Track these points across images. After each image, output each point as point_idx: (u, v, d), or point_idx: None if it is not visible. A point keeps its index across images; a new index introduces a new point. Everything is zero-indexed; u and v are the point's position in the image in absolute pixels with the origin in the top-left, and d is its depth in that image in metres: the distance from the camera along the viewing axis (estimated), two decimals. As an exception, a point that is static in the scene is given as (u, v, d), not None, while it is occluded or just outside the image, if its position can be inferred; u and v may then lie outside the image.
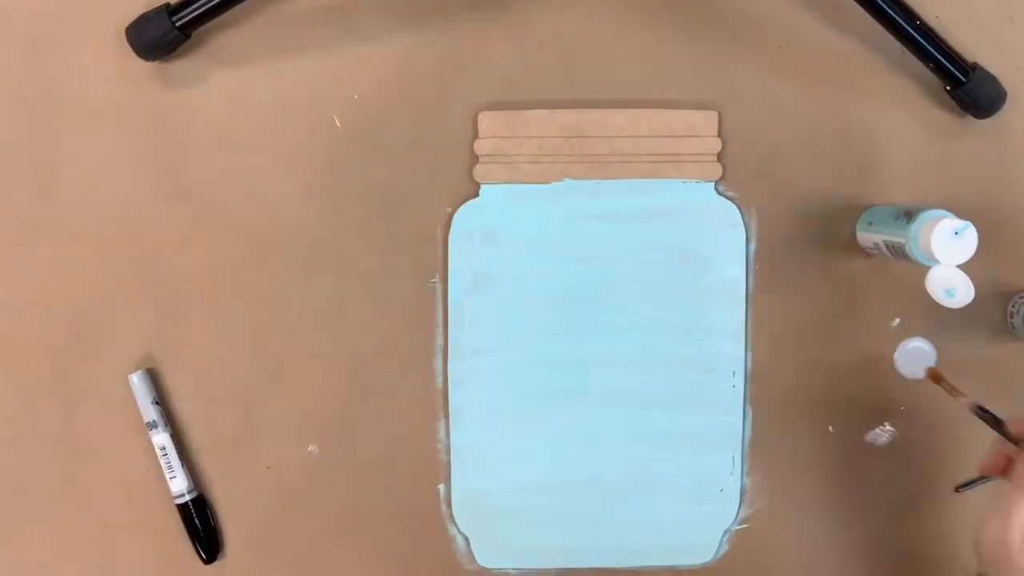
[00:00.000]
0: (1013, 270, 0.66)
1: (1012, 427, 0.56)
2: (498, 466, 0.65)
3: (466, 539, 0.66)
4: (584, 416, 0.65)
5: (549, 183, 0.64)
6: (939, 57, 0.62)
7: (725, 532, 0.66)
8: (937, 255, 0.56)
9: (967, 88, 0.63)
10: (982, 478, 0.60)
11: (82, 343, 0.64)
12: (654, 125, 0.64)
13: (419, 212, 0.64)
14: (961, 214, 0.57)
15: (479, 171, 0.64)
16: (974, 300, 0.56)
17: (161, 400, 0.64)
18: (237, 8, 0.61)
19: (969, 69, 0.63)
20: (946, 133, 0.66)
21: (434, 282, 0.65)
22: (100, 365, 0.64)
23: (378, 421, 0.65)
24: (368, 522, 0.66)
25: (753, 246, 0.65)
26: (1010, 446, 0.55)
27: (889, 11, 0.61)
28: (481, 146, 0.64)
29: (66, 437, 0.64)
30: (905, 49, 0.62)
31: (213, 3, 0.60)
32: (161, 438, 0.63)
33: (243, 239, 0.64)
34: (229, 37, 0.64)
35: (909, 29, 0.61)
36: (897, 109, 0.65)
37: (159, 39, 0.61)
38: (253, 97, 0.64)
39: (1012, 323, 0.65)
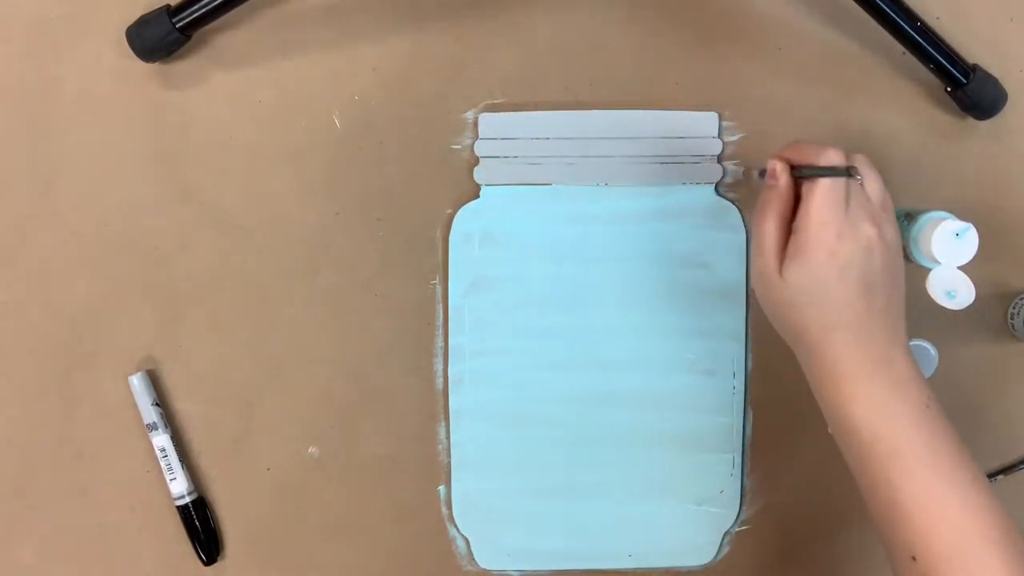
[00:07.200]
0: (1014, 271, 0.66)
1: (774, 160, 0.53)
2: (499, 468, 0.65)
3: (466, 541, 0.66)
4: (584, 418, 0.65)
5: (550, 185, 0.64)
6: (939, 58, 0.62)
7: (725, 533, 0.66)
8: (938, 257, 0.56)
9: (968, 89, 0.63)
10: None
11: (82, 343, 0.64)
12: (655, 127, 0.64)
13: (419, 213, 0.64)
14: (962, 215, 0.57)
15: (479, 172, 0.64)
16: (975, 301, 0.56)
17: (161, 401, 0.64)
18: (237, 9, 0.61)
19: (970, 70, 0.63)
20: (947, 134, 0.66)
21: (434, 283, 0.65)
22: (100, 366, 0.64)
23: (378, 422, 0.65)
24: (368, 523, 0.65)
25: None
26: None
27: (889, 12, 0.61)
28: (481, 147, 0.64)
29: (66, 438, 0.64)
30: (905, 50, 0.62)
31: (214, 4, 0.60)
32: (161, 440, 0.63)
33: (243, 239, 0.64)
34: (229, 38, 0.64)
35: (909, 30, 0.61)
36: (897, 110, 0.65)
37: (159, 41, 0.61)
38: (253, 97, 0.64)
39: (1012, 324, 0.65)
